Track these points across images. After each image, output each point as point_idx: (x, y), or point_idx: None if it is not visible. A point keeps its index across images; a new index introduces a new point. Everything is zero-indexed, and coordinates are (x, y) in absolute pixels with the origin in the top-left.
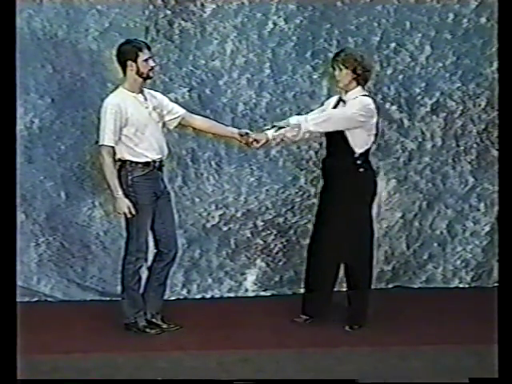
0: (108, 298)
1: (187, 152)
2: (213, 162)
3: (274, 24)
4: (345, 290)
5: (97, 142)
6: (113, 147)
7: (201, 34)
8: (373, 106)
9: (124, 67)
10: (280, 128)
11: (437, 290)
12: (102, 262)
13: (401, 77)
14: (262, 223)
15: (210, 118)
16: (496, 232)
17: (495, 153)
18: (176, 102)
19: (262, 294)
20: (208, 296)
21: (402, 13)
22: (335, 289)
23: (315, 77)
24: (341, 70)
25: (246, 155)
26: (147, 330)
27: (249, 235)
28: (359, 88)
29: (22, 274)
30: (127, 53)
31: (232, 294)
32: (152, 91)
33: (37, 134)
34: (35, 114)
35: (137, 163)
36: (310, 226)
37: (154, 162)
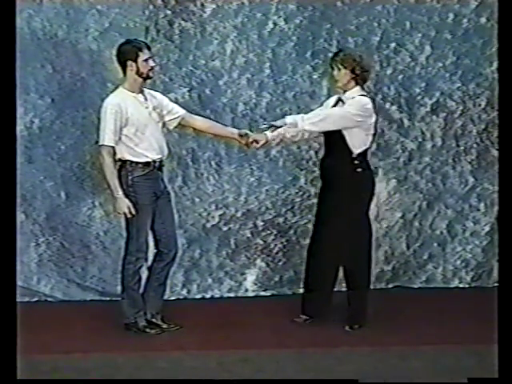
0: (108, 298)
1: (187, 152)
2: (213, 162)
3: (274, 24)
4: (345, 290)
5: (97, 142)
6: (113, 147)
7: (201, 34)
8: (370, 105)
9: (124, 67)
10: (277, 127)
11: (437, 290)
12: (102, 261)
13: (401, 77)
14: (262, 223)
15: (210, 118)
16: (496, 232)
17: (495, 153)
18: (176, 102)
19: (262, 294)
20: (208, 296)
21: (402, 13)
22: (335, 289)
23: (315, 77)
24: (339, 69)
25: (246, 155)
26: (147, 329)
27: (249, 235)
28: (358, 88)
29: (22, 274)
30: (127, 53)
31: (232, 294)
32: (152, 91)
33: (37, 133)
34: (35, 114)
35: (137, 163)
36: (310, 226)
37: (154, 162)
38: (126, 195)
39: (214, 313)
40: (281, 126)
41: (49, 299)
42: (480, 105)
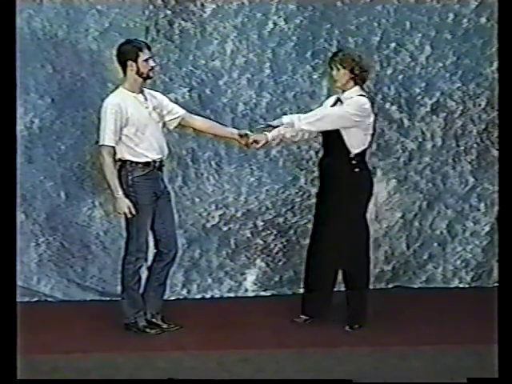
0: (108, 298)
1: (187, 152)
2: (213, 162)
3: (274, 24)
4: (345, 290)
5: (97, 142)
6: (113, 147)
7: (201, 34)
8: (368, 105)
9: (124, 67)
10: (274, 127)
11: (437, 290)
12: (102, 261)
13: (401, 77)
14: (262, 223)
15: (210, 119)
16: (496, 232)
17: (495, 153)
18: (176, 102)
19: (262, 294)
20: (208, 296)
21: (402, 13)
22: (335, 289)
23: (315, 77)
24: (338, 69)
25: (246, 155)
26: (147, 329)
27: (249, 235)
28: (357, 88)
29: (22, 274)
30: (127, 53)
31: (232, 294)
32: (152, 91)
33: (37, 133)
34: (35, 114)
35: (137, 163)
36: (310, 226)
37: (154, 161)
38: (126, 195)
39: (213, 313)
40: (278, 126)
41: (49, 299)
42: (480, 105)
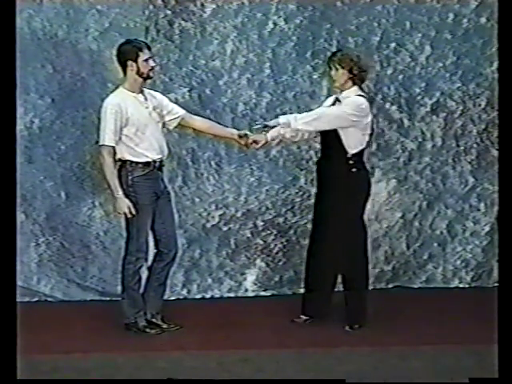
0: (108, 298)
1: (187, 152)
2: (213, 162)
3: (274, 24)
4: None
5: (97, 141)
6: (113, 147)
7: (201, 34)
8: (366, 105)
9: (124, 67)
10: (271, 127)
11: (437, 290)
12: (102, 261)
13: (401, 77)
14: (262, 223)
15: (210, 119)
16: (496, 232)
17: (495, 153)
18: (176, 102)
19: (262, 294)
20: (208, 296)
21: (402, 13)
22: (335, 289)
23: (315, 77)
24: (337, 69)
25: (246, 155)
26: (147, 329)
27: (249, 235)
28: (355, 88)
29: (22, 274)
30: (127, 53)
31: (232, 294)
32: (152, 91)
33: (37, 133)
34: (35, 114)
35: (137, 163)
36: (310, 226)
37: (155, 161)
38: (126, 195)
39: (214, 313)
40: (274, 126)
41: (49, 299)
42: (480, 105)
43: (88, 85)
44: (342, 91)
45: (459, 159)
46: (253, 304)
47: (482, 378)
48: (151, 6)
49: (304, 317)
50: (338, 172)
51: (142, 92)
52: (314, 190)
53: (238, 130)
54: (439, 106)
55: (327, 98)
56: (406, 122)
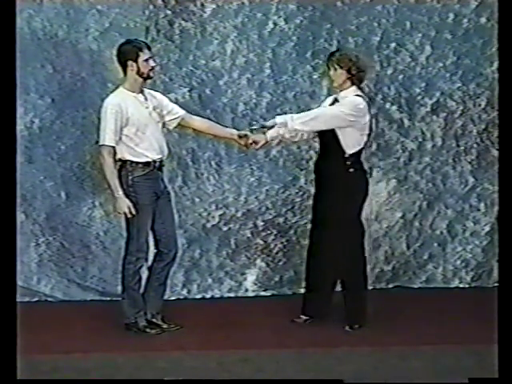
0: (108, 298)
1: (187, 152)
2: (213, 162)
3: (275, 24)
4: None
5: (97, 141)
6: (113, 147)
7: (201, 34)
8: (363, 105)
9: (124, 67)
10: (268, 128)
11: (437, 290)
12: (102, 261)
13: (401, 77)
14: (262, 223)
15: (211, 119)
16: (496, 232)
17: (495, 153)
18: (176, 102)
19: (262, 294)
20: (208, 296)
21: (402, 13)
22: (335, 289)
23: (315, 77)
24: (335, 69)
25: (246, 155)
26: (147, 329)
27: (249, 235)
28: (354, 88)
29: (22, 274)
30: (128, 53)
31: (232, 294)
32: (152, 91)
33: (37, 133)
34: (35, 114)
35: (137, 163)
36: (310, 226)
37: (155, 161)
38: (127, 195)
39: (214, 313)
40: (272, 127)
41: (49, 299)
42: (480, 105)
43: (88, 85)
44: (340, 91)
45: (459, 159)
46: (253, 304)
47: (482, 378)
48: (151, 6)
49: (304, 317)
50: (335, 172)
51: (142, 92)
52: (314, 190)
53: (238, 130)
54: (439, 106)
55: (327, 98)
56: (406, 121)
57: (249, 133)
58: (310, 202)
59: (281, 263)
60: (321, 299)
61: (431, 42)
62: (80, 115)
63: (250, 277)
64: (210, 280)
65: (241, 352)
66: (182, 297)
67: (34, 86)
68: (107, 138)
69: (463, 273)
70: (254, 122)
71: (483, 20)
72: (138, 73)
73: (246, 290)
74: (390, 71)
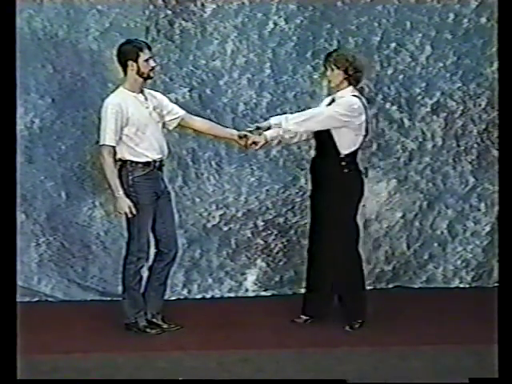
0: (109, 298)
1: (188, 152)
2: (213, 162)
3: (275, 24)
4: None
5: (97, 141)
6: (113, 147)
7: (201, 34)
8: (358, 105)
9: (125, 67)
10: (263, 129)
11: (437, 290)
12: (103, 261)
13: (401, 77)
14: (263, 223)
15: (211, 119)
16: (496, 232)
17: (495, 153)
18: (176, 102)
19: (263, 294)
20: (208, 296)
21: (403, 13)
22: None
23: (316, 77)
24: (332, 70)
25: (246, 155)
26: (148, 329)
27: (249, 235)
28: (350, 88)
29: (22, 274)
30: (128, 53)
31: (232, 294)
32: (152, 91)
33: (37, 133)
34: (36, 114)
35: (137, 163)
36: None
37: (155, 161)
38: (127, 195)
39: (214, 313)
40: (268, 128)
41: (49, 299)
42: (480, 105)
43: (88, 85)
44: (337, 91)
45: (459, 159)
46: (253, 304)
47: (482, 378)
48: (152, 6)
49: (304, 317)
50: (331, 172)
51: (142, 92)
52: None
53: (239, 130)
54: (439, 105)
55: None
56: (406, 121)
57: (248, 133)
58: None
59: (281, 263)
60: (321, 299)
61: (431, 42)
62: (80, 115)
63: (251, 277)
64: (210, 280)
65: (241, 352)
66: (182, 297)
67: (35, 86)
68: (107, 137)
69: (463, 273)
70: (250, 125)
71: (483, 20)
72: (139, 73)
73: (247, 290)
74: (390, 71)
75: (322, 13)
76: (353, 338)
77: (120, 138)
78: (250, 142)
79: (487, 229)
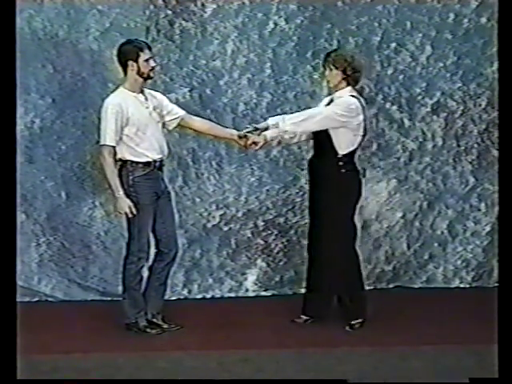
0: (109, 298)
1: (188, 152)
2: (213, 162)
3: (275, 24)
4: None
5: (97, 141)
6: (114, 147)
7: (201, 34)
8: (356, 105)
9: (125, 67)
10: (261, 130)
11: (437, 290)
12: (103, 261)
13: (401, 77)
14: (263, 223)
15: (211, 119)
16: (496, 232)
17: (496, 153)
18: (177, 102)
19: (263, 293)
20: (208, 296)
21: (403, 13)
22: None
23: (316, 77)
24: (331, 70)
25: (246, 155)
26: (148, 329)
27: (249, 235)
28: (349, 88)
29: (22, 274)
30: (128, 53)
31: (232, 294)
32: (152, 91)
33: (37, 133)
34: (36, 114)
35: (137, 163)
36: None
37: (155, 161)
38: (127, 195)
39: (214, 313)
40: (266, 129)
41: (49, 299)
42: (481, 105)
43: (89, 85)
44: (336, 91)
45: (460, 159)
46: (253, 304)
47: (482, 378)
48: (152, 6)
49: (304, 317)
50: (328, 172)
51: (142, 92)
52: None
53: (239, 130)
54: (440, 105)
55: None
56: (406, 121)
57: (248, 134)
58: None
59: (281, 263)
60: (321, 299)
61: (432, 42)
62: (80, 115)
63: (251, 277)
64: (210, 280)
65: (241, 352)
66: (182, 297)
67: (35, 86)
68: (108, 137)
69: (464, 273)
70: (248, 126)
71: (483, 20)
72: (139, 73)
73: (247, 290)
74: (390, 71)
75: (323, 13)
76: (353, 338)
77: (120, 138)
78: (249, 142)
79: (487, 229)
